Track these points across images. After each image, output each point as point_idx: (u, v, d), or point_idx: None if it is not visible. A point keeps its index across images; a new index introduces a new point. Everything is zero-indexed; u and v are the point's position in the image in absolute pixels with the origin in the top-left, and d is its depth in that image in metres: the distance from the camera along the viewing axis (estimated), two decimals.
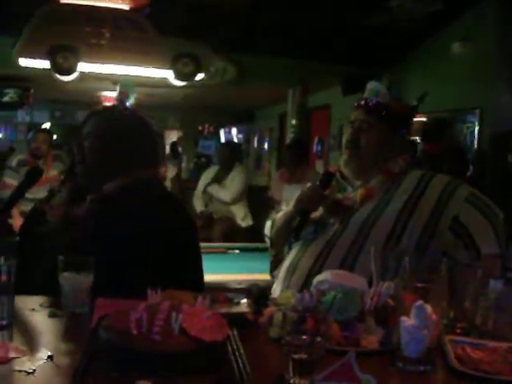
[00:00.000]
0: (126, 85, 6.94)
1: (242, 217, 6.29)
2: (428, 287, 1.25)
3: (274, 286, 2.20)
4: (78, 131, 2.06)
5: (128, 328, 1.12)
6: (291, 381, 1.08)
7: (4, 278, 1.41)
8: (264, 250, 3.13)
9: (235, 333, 1.33)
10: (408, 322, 1.20)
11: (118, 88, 6.95)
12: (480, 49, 5.93)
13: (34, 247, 1.88)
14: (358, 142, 2.11)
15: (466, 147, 5.98)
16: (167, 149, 10.44)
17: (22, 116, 12.85)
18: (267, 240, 2.38)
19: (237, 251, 4.90)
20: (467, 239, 1.92)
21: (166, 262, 1.87)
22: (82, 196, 2.07)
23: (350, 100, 6.96)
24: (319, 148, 9.67)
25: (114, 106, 2.32)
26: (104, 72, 7.16)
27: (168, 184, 7.28)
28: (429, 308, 1.19)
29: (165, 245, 1.88)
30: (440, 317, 1.27)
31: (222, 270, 3.81)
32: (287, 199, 2.67)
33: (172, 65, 7.08)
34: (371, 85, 2.14)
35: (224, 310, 1.45)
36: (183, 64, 7.08)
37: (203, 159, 13.40)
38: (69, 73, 6.85)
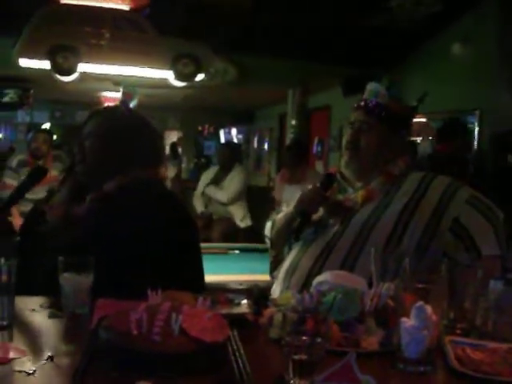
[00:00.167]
0: (129, 85, 6.95)
1: (240, 217, 6.30)
2: (428, 288, 1.25)
3: (274, 286, 2.20)
4: (78, 131, 2.06)
5: (128, 328, 1.12)
6: (291, 382, 1.08)
7: (4, 278, 1.41)
8: (264, 250, 3.13)
9: (235, 333, 1.33)
10: (408, 322, 1.20)
11: (121, 89, 6.95)
12: (480, 49, 5.93)
13: (35, 247, 1.88)
14: (358, 143, 2.10)
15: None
16: (167, 149, 10.46)
17: (22, 116, 12.85)
18: (267, 241, 2.39)
19: (237, 252, 4.90)
20: (468, 241, 1.92)
21: (166, 262, 1.87)
22: (82, 195, 2.07)
23: (351, 101, 6.96)
24: (319, 149, 9.67)
25: (115, 106, 2.31)
26: (104, 72, 7.16)
27: (168, 184, 7.28)
28: (429, 309, 1.19)
29: (165, 244, 1.88)
30: (440, 317, 1.27)
31: (222, 270, 3.81)
32: (287, 200, 2.68)
33: (172, 65, 7.09)
34: (371, 86, 2.14)
35: (224, 310, 1.45)
36: (183, 64, 7.08)
37: (203, 159, 13.41)
38: (69, 73, 6.86)
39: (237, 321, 1.41)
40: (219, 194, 6.23)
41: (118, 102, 7.07)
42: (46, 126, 11.24)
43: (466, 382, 1.17)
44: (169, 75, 7.22)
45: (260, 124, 13.53)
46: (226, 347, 1.22)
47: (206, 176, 6.57)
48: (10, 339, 1.36)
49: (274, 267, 2.33)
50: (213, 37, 6.78)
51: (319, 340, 1.10)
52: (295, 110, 8.51)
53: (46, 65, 6.75)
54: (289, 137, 8.70)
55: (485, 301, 1.47)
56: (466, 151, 5.49)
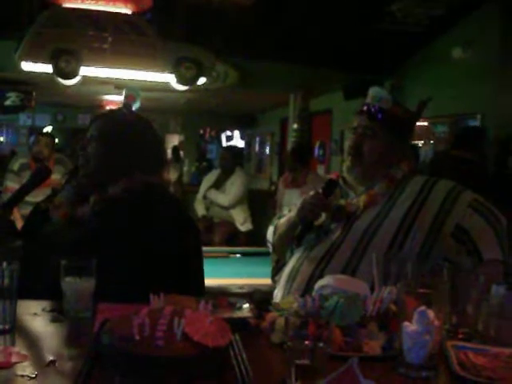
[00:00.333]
0: (132, 88, 6.95)
1: (242, 221, 6.30)
2: (430, 293, 1.25)
3: (276, 290, 2.20)
4: (80, 134, 2.07)
5: (130, 333, 1.12)
6: None
7: (6, 282, 1.41)
8: (265, 254, 3.13)
9: (237, 338, 1.32)
10: (410, 327, 1.20)
11: (124, 92, 6.95)
12: (481, 53, 5.94)
13: (38, 249, 1.88)
14: (360, 149, 2.10)
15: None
16: (169, 153, 10.46)
17: (23, 120, 12.90)
18: (269, 245, 2.38)
19: (238, 255, 4.91)
20: (470, 245, 1.92)
21: (169, 266, 1.87)
22: (85, 197, 2.07)
23: (352, 104, 7.00)
24: (321, 152, 9.68)
25: (118, 110, 2.32)
26: (106, 76, 7.17)
27: (170, 188, 7.27)
28: (431, 313, 1.19)
29: (168, 248, 1.88)
30: (442, 322, 1.26)
31: (223, 274, 3.82)
32: (287, 203, 2.67)
33: (174, 69, 7.09)
34: (373, 90, 2.13)
35: (226, 314, 1.45)
36: (185, 68, 7.09)
37: (205, 163, 13.43)
38: (71, 77, 6.86)
39: (238, 325, 1.41)
40: (221, 198, 6.24)
41: (120, 105, 7.08)
42: (48, 129, 11.27)
43: None
44: (171, 79, 7.23)
45: (261, 128, 13.55)
46: (228, 352, 1.21)
47: (208, 179, 6.58)
48: (12, 343, 1.36)
49: (276, 272, 2.32)
50: (214, 41, 6.79)
51: (321, 345, 1.10)
52: (297, 114, 8.52)
53: (48, 68, 6.76)
54: (290, 141, 8.71)
55: (487, 305, 1.47)
56: (485, 158, 5.48)
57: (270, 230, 2.36)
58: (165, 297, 1.38)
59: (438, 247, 1.94)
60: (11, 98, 8.48)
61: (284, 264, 2.24)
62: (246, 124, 14.25)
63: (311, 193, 2.14)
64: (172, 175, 8.69)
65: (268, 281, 2.95)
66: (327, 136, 9.43)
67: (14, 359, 1.19)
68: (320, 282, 1.66)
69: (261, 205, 6.71)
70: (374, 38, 6.53)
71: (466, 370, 1.22)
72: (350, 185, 2.17)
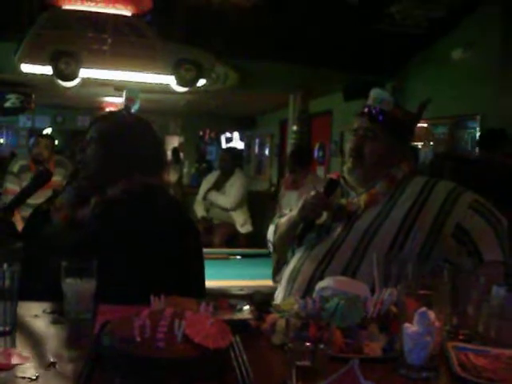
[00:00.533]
0: (132, 90, 6.95)
1: (242, 223, 6.30)
2: (431, 294, 1.25)
3: (277, 291, 2.20)
4: (79, 136, 2.07)
5: (131, 335, 1.12)
6: None
7: (7, 283, 1.41)
8: (265, 255, 3.13)
9: (238, 339, 1.32)
10: (411, 328, 1.20)
11: (124, 94, 6.95)
12: (481, 55, 5.94)
13: (38, 251, 1.88)
14: (361, 151, 2.10)
15: (468, 153, 5.99)
16: (168, 154, 10.46)
17: (23, 121, 12.90)
18: (270, 245, 2.38)
19: (238, 257, 4.91)
20: (470, 246, 1.92)
21: (169, 268, 1.87)
22: (86, 199, 2.07)
23: (352, 106, 7.01)
24: (320, 154, 9.68)
25: (118, 111, 2.32)
26: (106, 78, 7.18)
27: (170, 190, 7.28)
28: (432, 315, 1.19)
29: (168, 250, 1.89)
30: (443, 323, 1.26)
31: (223, 276, 3.82)
32: (287, 204, 2.67)
33: (174, 71, 7.10)
34: (375, 92, 2.13)
35: (227, 316, 1.45)
36: (185, 70, 7.09)
37: (204, 164, 13.43)
38: (71, 79, 6.87)
39: (239, 327, 1.41)
40: (222, 200, 6.24)
41: (120, 107, 7.08)
42: (48, 131, 11.27)
43: None
44: (170, 80, 7.23)
45: (261, 129, 13.56)
46: (229, 353, 1.21)
47: (207, 181, 6.58)
48: (13, 345, 1.36)
49: (277, 271, 2.32)
50: (214, 42, 6.80)
51: (322, 346, 1.10)
52: (296, 116, 8.52)
53: (47, 70, 6.77)
54: (290, 142, 8.71)
55: (488, 307, 1.47)
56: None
57: (271, 229, 2.36)
58: (165, 299, 1.38)
59: (439, 248, 1.94)
60: (11, 100, 8.48)
61: (285, 264, 2.24)
62: (245, 126, 14.26)
63: (312, 192, 2.14)
64: (172, 177, 8.68)
65: (268, 282, 2.94)
66: (327, 137, 9.43)
67: (14, 361, 1.19)
68: (320, 284, 1.66)
69: (260, 206, 6.70)
70: (374, 39, 6.53)
71: (466, 371, 1.22)
72: (351, 185, 2.18)
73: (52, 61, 6.70)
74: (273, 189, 10.32)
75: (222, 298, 1.71)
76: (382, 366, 1.26)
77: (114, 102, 10.32)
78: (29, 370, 1.16)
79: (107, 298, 1.50)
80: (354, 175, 2.14)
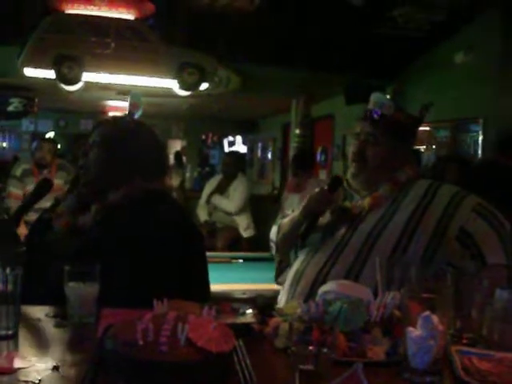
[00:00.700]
0: (135, 95, 6.95)
1: (245, 227, 6.31)
2: (434, 297, 1.24)
3: (280, 295, 2.20)
4: (82, 140, 2.07)
5: (134, 338, 1.12)
6: None
7: (10, 287, 1.41)
8: (268, 259, 3.13)
9: (241, 343, 1.32)
10: (414, 332, 1.20)
11: (129, 99, 6.96)
12: (482, 58, 5.94)
13: (41, 257, 1.89)
14: (364, 155, 2.10)
15: (470, 156, 5.98)
16: (171, 158, 10.47)
17: (26, 125, 12.92)
18: (272, 245, 2.37)
19: (241, 261, 4.90)
20: (474, 249, 1.92)
21: (172, 272, 1.87)
22: (87, 206, 2.08)
23: (354, 109, 6.99)
24: (323, 158, 9.68)
25: (121, 117, 2.33)
26: (108, 82, 7.19)
27: (173, 194, 7.31)
28: (435, 318, 1.19)
29: (171, 254, 1.89)
30: (446, 327, 1.26)
31: (225, 279, 3.81)
32: (289, 207, 2.67)
33: (177, 75, 7.11)
34: (375, 96, 2.13)
35: (230, 320, 1.45)
36: (188, 74, 7.10)
37: (207, 168, 13.43)
38: (73, 83, 6.88)
39: (242, 330, 1.40)
40: (225, 204, 6.25)
41: (125, 112, 7.08)
42: (50, 134, 11.29)
43: None
44: (173, 84, 7.24)
45: (263, 133, 13.56)
46: (232, 357, 1.21)
47: (210, 185, 6.59)
48: (16, 349, 1.36)
49: (280, 273, 2.32)
50: (217, 46, 6.81)
51: (325, 350, 1.09)
52: (299, 120, 8.52)
53: (50, 74, 6.78)
54: (292, 146, 8.71)
55: (491, 310, 1.46)
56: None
57: (274, 229, 2.35)
58: (168, 302, 1.38)
59: (442, 251, 1.94)
60: (14, 104, 8.50)
61: (288, 265, 2.24)
62: (248, 129, 14.26)
63: (316, 189, 2.15)
64: (174, 181, 8.69)
65: (271, 286, 2.94)
66: (329, 141, 9.43)
67: (17, 365, 1.19)
68: (323, 288, 1.66)
69: (263, 210, 6.71)
70: (376, 42, 6.54)
71: (470, 375, 1.22)
72: (355, 188, 2.18)
73: (55, 65, 6.71)
74: (275, 192, 10.32)
75: (225, 301, 1.71)
76: (385, 370, 1.26)
77: (116, 106, 10.33)
78: (31, 373, 1.16)
79: (110, 302, 1.50)
80: (357, 179, 2.15)
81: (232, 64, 7.34)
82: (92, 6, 6.71)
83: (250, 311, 1.55)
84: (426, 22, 6.18)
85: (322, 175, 9.21)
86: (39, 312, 1.62)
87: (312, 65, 7.15)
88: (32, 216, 2.17)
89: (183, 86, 7.21)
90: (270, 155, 12.83)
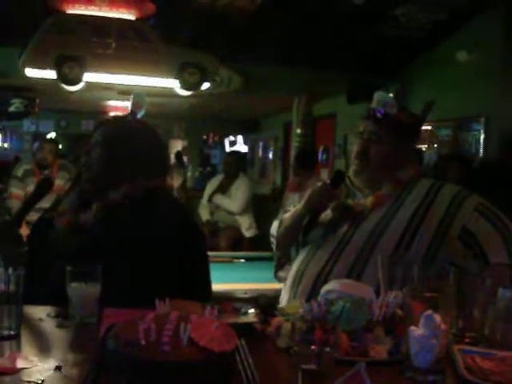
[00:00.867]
0: (138, 95, 6.95)
1: (247, 226, 6.31)
2: (437, 297, 1.24)
3: (282, 294, 2.20)
4: (83, 140, 2.07)
5: (136, 338, 1.12)
6: None
7: (12, 287, 1.41)
8: (270, 258, 3.13)
9: (243, 343, 1.32)
10: (417, 331, 1.20)
11: (131, 99, 6.96)
12: (484, 57, 5.93)
13: (43, 256, 1.89)
14: (367, 154, 2.10)
15: (472, 155, 5.97)
16: (172, 158, 10.47)
17: (27, 126, 12.92)
18: (273, 240, 2.36)
19: (242, 260, 4.90)
20: (477, 249, 1.92)
21: (174, 272, 1.87)
22: (88, 204, 2.08)
23: (356, 109, 6.97)
24: (324, 157, 9.67)
25: (123, 116, 2.33)
26: (109, 82, 7.18)
27: (174, 193, 7.31)
28: (438, 317, 1.19)
29: (173, 254, 1.89)
30: (449, 326, 1.26)
31: (227, 279, 3.81)
32: (291, 206, 2.66)
33: (178, 74, 7.10)
34: (378, 95, 2.13)
35: (232, 320, 1.45)
36: (189, 74, 7.09)
37: (209, 168, 13.43)
38: (75, 83, 6.87)
39: (244, 330, 1.40)
40: (230, 204, 6.25)
41: (128, 112, 7.08)
42: (52, 135, 11.29)
43: None
44: (174, 84, 7.23)
45: (265, 133, 13.55)
46: (234, 357, 1.21)
47: (212, 184, 6.59)
48: (18, 349, 1.36)
49: (279, 268, 2.32)
50: (218, 46, 6.80)
51: (328, 349, 1.09)
52: (300, 119, 8.51)
53: (51, 74, 6.77)
54: (294, 145, 8.70)
55: (494, 309, 1.46)
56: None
57: (275, 224, 2.34)
58: (170, 302, 1.38)
59: (444, 250, 1.94)
60: (15, 105, 8.50)
61: (287, 261, 2.24)
62: (249, 129, 14.25)
63: (319, 183, 2.14)
64: (176, 181, 8.70)
65: (273, 285, 2.94)
66: (330, 140, 9.42)
67: (19, 365, 1.19)
68: (326, 287, 1.66)
69: (264, 209, 6.70)
70: (377, 41, 6.53)
71: (473, 374, 1.21)
72: (357, 187, 2.18)
73: (56, 65, 6.71)
74: (276, 190, 10.31)
75: (227, 301, 1.71)
76: (388, 369, 1.26)
77: (118, 106, 10.33)
78: (34, 373, 1.16)
79: (112, 301, 1.50)
80: (360, 178, 2.15)
81: (233, 64, 7.33)
82: (93, 7, 6.70)
83: (252, 311, 1.55)
84: (428, 21, 6.18)
85: (324, 174, 9.20)
86: (41, 312, 1.62)
87: (313, 64, 7.14)
88: (33, 216, 2.17)
89: (184, 86, 7.20)
90: (271, 155, 12.82)
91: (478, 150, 6.06)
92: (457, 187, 2.07)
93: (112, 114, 10.23)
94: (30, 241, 2.03)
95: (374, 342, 1.35)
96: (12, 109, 8.53)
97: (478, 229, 1.94)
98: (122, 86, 7.39)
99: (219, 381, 1.14)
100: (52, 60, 6.66)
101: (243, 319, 1.51)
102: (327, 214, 2.14)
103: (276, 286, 2.63)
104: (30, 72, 6.85)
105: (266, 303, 1.62)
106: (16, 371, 1.17)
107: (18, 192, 5.34)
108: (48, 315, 1.61)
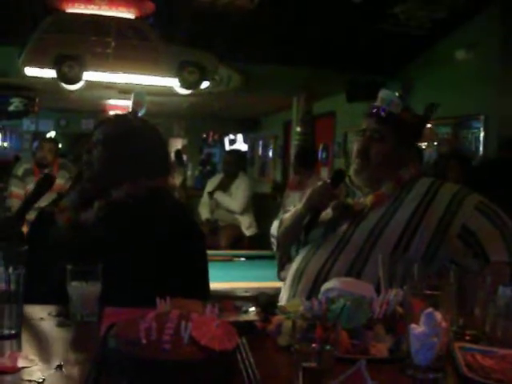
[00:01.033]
0: (139, 94, 6.94)
1: (247, 225, 6.31)
2: (437, 294, 1.24)
3: (282, 292, 2.20)
4: (83, 139, 2.07)
5: (137, 337, 1.12)
6: None
7: (13, 286, 1.41)
8: (270, 257, 3.13)
9: (244, 341, 1.32)
10: (418, 329, 1.20)
11: (132, 97, 6.95)
12: (483, 55, 5.94)
13: (43, 252, 1.88)
14: (368, 152, 2.09)
15: (472, 153, 5.98)
16: (172, 157, 10.46)
17: (27, 125, 12.92)
18: (273, 240, 2.36)
19: (243, 259, 4.90)
20: (477, 247, 1.92)
21: (173, 271, 1.87)
22: (89, 202, 2.07)
23: (355, 107, 6.97)
24: (324, 155, 9.68)
25: (124, 115, 2.32)
26: (109, 81, 7.18)
27: (175, 192, 7.30)
28: (438, 315, 1.19)
29: (173, 254, 1.89)
30: (450, 324, 1.26)
31: (228, 277, 3.81)
32: (290, 205, 2.67)
33: (177, 73, 7.10)
34: (383, 93, 2.12)
35: (233, 318, 1.45)
36: (188, 72, 7.09)
37: (208, 167, 13.43)
38: (74, 82, 6.87)
39: (245, 328, 1.40)
40: (229, 202, 6.25)
41: (129, 110, 7.07)
42: (51, 134, 11.29)
43: None
44: (174, 83, 7.23)
45: (265, 131, 13.55)
46: (235, 355, 1.21)
47: (211, 183, 6.59)
48: (19, 348, 1.36)
49: (281, 268, 2.32)
50: (218, 44, 6.80)
51: (329, 347, 1.09)
52: (300, 117, 8.51)
53: (51, 73, 6.77)
54: (293, 144, 8.70)
55: (494, 307, 1.46)
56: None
57: (275, 224, 2.34)
58: (171, 301, 1.38)
59: (444, 248, 1.94)
60: (15, 104, 8.50)
61: (288, 260, 2.24)
62: (249, 127, 14.24)
63: (319, 183, 2.14)
64: (176, 179, 8.70)
65: (273, 284, 2.94)
66: (330, 139, 9.42)
67: (20, 364, 1.19)
68: (326, 285, 1.66)
69: (264, 208, 6.71)
70: (377, 39, 6.53)
71: (473, 371, 1.22)
72: (357, 185, 2.17)
73: (56, 64, 6.71)
74: (277, 187, 10.31)
75: (227, 299, 1.71)
76: (388, 367, 1.26)
77: (117, 105, 10.33)
78: (35, 373, 1.16)
79: (112, 300, 1.50)
80: (360, 177, 2.14)
81: (233, 62, 7.33)
82: (92, 5, 6.70)
83: (252, 309, 1.56)
84: (427, 20, 6.18)
85: (324, 173, 9.20)
86: (42, 311, 1.62)
87: (313, 62, 7.14)
88: (32, 215, 2.17)
89: (184, 85, 7.19)
90: (271, 153, 12.81)
91: (477, 147, 6.07)
92: (456, 186, 2.07)
93: (112, 112, 10.22)
94: (30, 233, 2.03)
95: (375, 339, 1.35)
96: (12, 108, 8.53)
97: (478, 227, 1.93)
98: (121, 85, 7.38)
99: (220, 379, 1.14)
100: (51, 59, 6.66)
101: (244, 317, 1.51)
102: (327, 213, 2.14)
103: (276, 284, 2.63)
104: (30, 71, 6.85)
105: (267, 301, 1.62)
106: (17, 370, 1.17)
107: (18, 191, 5.34)
108: (49, 314, 1.61)
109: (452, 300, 1.31)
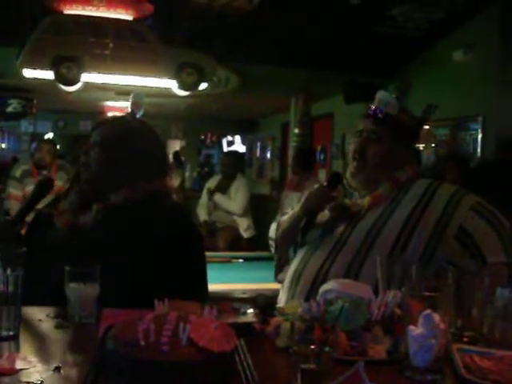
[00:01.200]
0: (138, 95, 6.94)
1: (245, 227, 6.31)
2: (435, 296, 1.24)
3: (280, 294, 2.20)
4: (81, 141, 2.07)
5: (135, 339, 1.12)
6: None
7: (11, 288, 1.41)
8: (268, 258, 3.13)
9: (243, 343, 1.32)
10: (416, 331, 1.20)
11: (130, 98, 6.95)
12: (482, 56, 5.94)
13: (41, 254, 1.88)
14: (365, 153, 2.10)
15: (470, 154, 5.98)
16: (170, 158, 10.45)
17: (25, 126, 12.90)
18: (271, 243, 2.37)
19: (241, 260, 4.91)
20: (473, 249, 1.92)
21: (172, 273, 1.87)
22: (88, 204, 2.07)
23: (353, 108, 6.97)
24: (322, 157, 9.68)
25: (122, 116, 2.33)
26: (107, 82, 7.18)
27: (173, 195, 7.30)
28: (436, 317, 1.19)
29: (170, 255, 1.88)
30: (448, 325, 1.26)
31: (226, 279, 3.82)
32: (288, 205, 2.67)
33: (175, 75, 7.10)
34: (380, 95, 2.12)
35: (231, 320, 1.45)
36: (187, 74, 7.09)
37: (206, 169, 13.42)
38: (72, 83, 6.86)
39: (243, 330, 1.40)
40: (228, 204, 6.25)
41: (127, 112, 7.07)
42: (49, 135, 11.28)
43: None
44: (172, 84, 7.23)
45: (263, 133, 13.54)
46: (234, 357, 1.21)
47: (210, 185, 6.59)
48: (17, 350, 1.36)
49: (279, 270, 2.32)
50: (216, 46, 6.80)
51: (327, 349, 1.09)
52: (298, 119, 8.51)
53: (49, 75, 6.76)
54: (291, 145, 8.70)
55: (492, 308, 1.47)
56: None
57: (273, 226, 2.35)
58: (169, 302, 1.38)
59: (442, 249, 1.94)
60: (13, 105, 8.49)
61: (286, 262, 2.24)
62: (247, 129, 14.23)
63: (316, 185, 2.15)
64: (174, 181, 8.69)
65: (271, 285, 2.94)
66: (328, 140, 9.42)
67: (18, 366, 1.19)
68: (324, 287, 1.66)
69: (262, 209, 6.71)
70: (375, 41, 6.53)
71: (471, 373, 1.22)
72: (355, 188, 2.18)
73: (53, 66, 6.70)
74: (274, 191, 10.32)
75: (225, 301, 1.71)
76: (386, 369, 1.26)
77: (115, 107, 10.32)
78: (33, 374, 1.16)
79: (111, 302, 1.50)
80: (357, 179, 2.15)
81: (231, 64, 7.33)
82: (90, 7, 6.69)
83: (251, 311, 1.56)
84: (425, 21, 6.18)
85: (322, 174, 9.20)
86: (40, 313, 1.62)
87: (311, 64, 7.14)
88: (30, 216, 2.16)
89: (182, 86, 7.19)
90: (268, 154, 12.81)
91: (475, 149, 6.07)
92: (454, 187, 2.07)
93: (110, 114, 10.21)
94: (28, 234, 2.03)
95: (373, 341, 1.35)
96: (9, 109, 8.52)
97: (475, 228, 1.93)
98: (119, 87, 7.38)
99: (219, 381, 1.14)
100: (49, 60, 6.65)
101: (242, 319, 1.51)
102: (324, 215, 2.14)
103: (274, 285, 2.63)
104: (28, 72, 6.84)
105: (265, 303, 1.63)
106: (15, 372, 1.17)
107: (16, 193, 5.34)
108: (47, 316, 1.61)
109: (450, 301, 1.31)
